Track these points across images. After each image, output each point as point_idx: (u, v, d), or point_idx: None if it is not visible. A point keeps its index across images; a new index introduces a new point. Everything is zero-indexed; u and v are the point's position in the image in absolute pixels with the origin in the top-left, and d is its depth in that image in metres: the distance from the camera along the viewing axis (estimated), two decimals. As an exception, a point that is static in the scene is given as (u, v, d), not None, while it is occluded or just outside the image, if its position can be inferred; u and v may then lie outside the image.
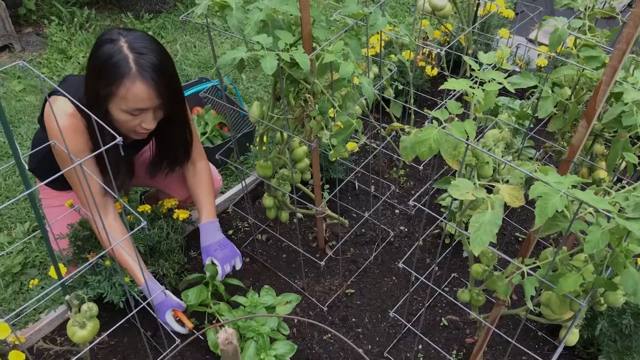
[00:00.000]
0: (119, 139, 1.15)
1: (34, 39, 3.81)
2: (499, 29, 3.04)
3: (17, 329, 1.97)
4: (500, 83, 1.31)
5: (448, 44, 3.07)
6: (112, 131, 1.18)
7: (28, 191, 1.23)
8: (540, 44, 3.15)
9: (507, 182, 1.36)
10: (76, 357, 1.56)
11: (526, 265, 1.28)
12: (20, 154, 1.51)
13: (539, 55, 2.85)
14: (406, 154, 1.36)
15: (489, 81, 1.30)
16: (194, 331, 1.86)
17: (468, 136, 1.22)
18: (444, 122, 1.24)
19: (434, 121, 1.24)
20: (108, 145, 1.13)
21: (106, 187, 1.28)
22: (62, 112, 1.62)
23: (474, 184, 1.24)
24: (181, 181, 2.08)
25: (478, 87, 1.25)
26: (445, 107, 1.26)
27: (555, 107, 1.55)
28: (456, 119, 1.28)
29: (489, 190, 1.28)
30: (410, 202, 1.39)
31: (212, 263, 1.89)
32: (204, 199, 1.98)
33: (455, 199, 1.24)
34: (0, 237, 2.45)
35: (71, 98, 1.34)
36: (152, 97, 1.57)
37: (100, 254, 1.84)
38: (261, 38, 1.34)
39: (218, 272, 1.87)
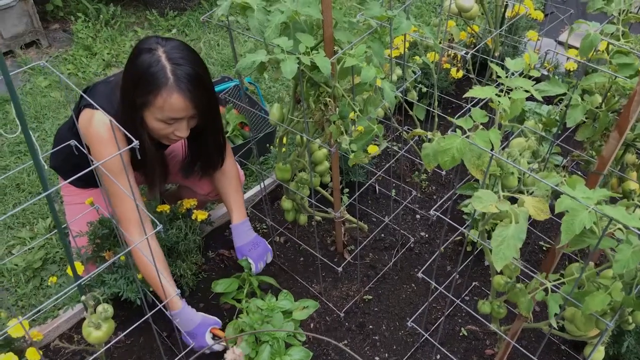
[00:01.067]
0: (135, 142, 1.14)
1: (60, 35, 3.85)
2: (527, 31, 2.97)
3: (37, 324, 1.98)
4: (527, 91, 1.27)
5: (474, 46, 3.01)
6: (130, 135, 1.17)
7: (45, 193, 1.22)
8: (570, 46, 3.07)
9: (532, 193, 1.32)
10: (92, 357, 1.56)
11: (550, 281, 1.24)
12: (40, 153, 1.51)
13: (568, 58, 2.77)
14: (428, 162, 1.32)
15: (516, 89, 1.25)
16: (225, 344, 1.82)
17: (493, 146, 1.18)
18: (468, 130, 1.20)
19: (457, 130, 1.20)
20: (126, 148, 1.12)
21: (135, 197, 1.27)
22: (103, 123, 1.64)
23: (498, 195, 1.20)
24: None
25: (504, 95, 1.21)
26: (470, 115, 1.22)
27: (584, 115, 1.49)
28: (481, 127, 1.24)
29: (514, 201, 1.24)
30: (432, 212, 1.35)
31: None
32: (233, 198, 1.99)
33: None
34: (22, 232, 2.48)
35: (109, 117, 1.35)
36: (188, 107, 1.59)
37: (118, 255, 1.85)
38: (282, 41, 1.32)
39: (252, 269, 1.90)
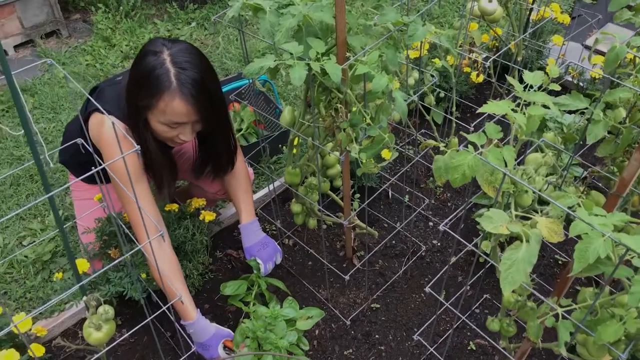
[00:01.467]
0: (137, 147, 1.12)
1: (80, 26, 3.86)
2: (552, 35, 2.88)
3: (42, 318, 1.98)
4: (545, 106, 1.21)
5: (496, 49, 2.93)
6: (132, 141, 1.15)
7: (47, 195, 1.20)
8: (597, 52, 2.97)
9: (546, 213, 1.26)
10: (94, 358, 1.55)
11: (561, 307, 1.18)
12: (45, 151, 1.49)
13: (593, 65, 2.68)
14: (439, 175, 1.27)
15: (534, 103, 1.20)
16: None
17: (506, 164, 1.13)
18: (481, 146, 1.15)
19: (469, 145, 1.15)
20: (128, 152, 1.09)
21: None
22: (111, 129, 1.61)
23: (510, 215, 1.14)
24: None
25: (520, 111, 1.15)
26: (483, 130, 1.17)
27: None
28: (495, 141, 1.19)
29: (527, 219, 1.19)
30: (441, 227, 1.30)
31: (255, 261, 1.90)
32: (242, 198, 1.97)
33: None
34: (34, 223, 2.49)
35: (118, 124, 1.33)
36: (191, 113, 1.56)
37: (127, 254, 1.83)
38: (291, 46, 1.28)
39: (260, 270, 1.87)
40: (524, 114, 1.16)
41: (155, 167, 1.72)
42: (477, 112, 1.13)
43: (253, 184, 2.60)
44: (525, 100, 1.23)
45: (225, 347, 1.74)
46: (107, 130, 1.62)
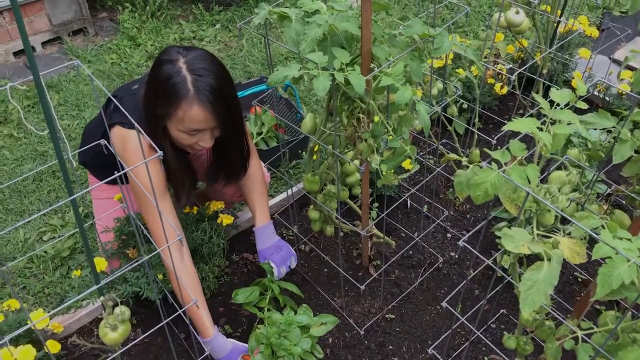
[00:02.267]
0: (159, 153, 1.13)
1: (107, 24, 3.91)
2: (579, 48, 2.84)
3: (59, 314, 2.00)
4: (571, 123, 1.19)
5: (522, 61, 2.90)
6: (154, 145, 1.15)
7: (69, 198, 1.22)
8: (627, 67, 2.92)
9: (569, 233, 1.24)
10: (109, 358, 1.56)
11: (582, 329, 1.16)
12: (69, 151, 1.51)
13: (621, 80, 2.64)
14: (460, 190, 1.26)
15: (559, 122, 1.18)
16: None
17: (530, 182, 1.11)
18: (505, 164, 1.14)
19: (492, 163, 1.13)
20: (151, 158, 1.10)
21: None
22: (137, 144, 1.63)
23: (532, 234, 1.13)
24: None
25: (546, 130, 1.13)
26: (507, 148, 1.15)
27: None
28: (519, 158, 1.17)
29: (549, 237, 1.17)
30: (460, 243, 1.29)
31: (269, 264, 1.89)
32: (257, 201, 1.97)
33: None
34: (54, 219, 2.52)
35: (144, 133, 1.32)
36: (209, 119, 1.56)
37: (146, 258, 1.84)
38: (316, 57, 1.28)
39: (274, 273, 1.87)
40: (549, 132, 1.14)
41: (174, 174, 1.73)
42: (503, 129, 1.11)
43: (271, 188, 2.61)
44: (550, 118, 1.21)
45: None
46: (133, 146, 1.63)
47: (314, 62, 1.27)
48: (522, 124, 1.10)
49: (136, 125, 1.17)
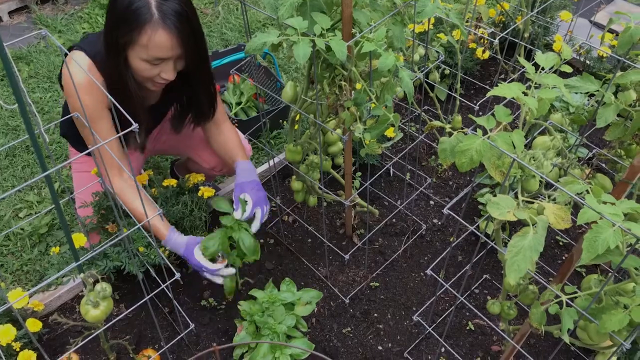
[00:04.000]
0: (135, 125, 1.09)
1: (77, -8, 3.76)
2: (560, 11, 2.81)
3: (40, 291, 1.97)
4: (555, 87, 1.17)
5: (503, 25, 2.87)
6: (126, 115, 1.11)
7: (43, 174, 1.17)
8: (609, 31, 2.90)
9: (553, 199, 1.23)
10: (92, 335, 1.54)
11: (566, 294, 1.17)
12: (41, 125, 1.45)
13: (601, 43, 2.62)
14: (444, 158, 1.25)
15: (544, 86, 1.16)
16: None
17: (515, 148, 1.10)
18: (490, 130, 1.12)
19: (478, 129, 1.12)
20: (125, 131, 1.06)
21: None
22: (78, 68, 1.56)
23: (517, 201, 1.12)
24: (208, 147, 2.03)
25: (531, 95, 1.12)
26: (492, 114, 1.13)
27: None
28: (505, 124, 1.15)
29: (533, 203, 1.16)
30: (445, 211, 1.28)
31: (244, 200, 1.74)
32: (235, 147, 1.88)
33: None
34: (30, 195, 2.46)
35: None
36: (175, 46, 1.49)
37: (131, 231, 1.81)
38: (295, 22, 1.23)
39: (244, 213, 1.71)
40: (534, 96, 1.12)
41: (132, 109, 1.63)
42: (487, 94, 1.09)
43: (252, 159, 2.57)
44: (535, 83, 1.19)
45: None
46: (74, 66, 1.55)
47: (294, 27, 1.23)
48: (507, 89, 1.07)
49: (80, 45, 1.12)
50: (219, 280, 1.70)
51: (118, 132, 1.63)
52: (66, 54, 1.59)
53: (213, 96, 1.81)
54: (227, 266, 1.71)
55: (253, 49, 1.26)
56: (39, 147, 1.19)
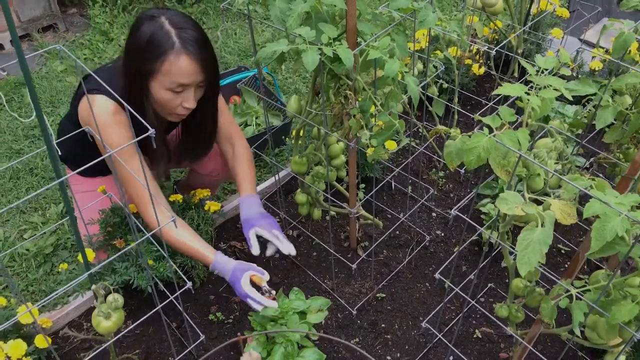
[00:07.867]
0: (151, 131, 1.12)
1: (77, 20, 3.83)
2: (551, 28, 2.90)
3: (46, 310, 1.97)
4: (556, 89, 1.22)
5: (496, 42, 2.95)
6: (145, 123, 1.14)
7: (58, 180, 1.20)
8: (595, 45, 2.99)
9: (558, 196, 1.27)
10: (101, 347, 1.54)
11: (575, 288, 1.19)
12: (54, 138, 1.48)
13: (593, 57, 2.70)
14: (451, 160, 1.28)
15: (546, 87, 1.20)
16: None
17: (520, 146, 1.14)
18: (495, 129, 1.16)
19: (484, 128, 1.15)
20: (141, 137, 1.09)
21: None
22: (105, 109, 1.61)
23: (523, 197, 1.15)
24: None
25: (534, 94, 1.16)
26: (497, 114, 1.17)
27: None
28: (507, 125, 1.19)
29: (538, 203, 1.19)
30: (452, 212, 1.31)
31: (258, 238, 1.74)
32: (244, 172, 1.90)
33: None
34: (34, 217, 2.47)
35: (110, 90, 1.31)
36: (197, 71, 1.55)
37: (134, 244, 1.82)
38: (304, 31, 1.28)
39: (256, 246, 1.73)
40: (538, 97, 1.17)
41: (154, 149, 1.68)
42: (493, 93, 1.13)
43: (256, 176, 2.60)
44: (537, 85, 1.24)
45: (254, 284, 1.65)
46: (98, 110, 1.59)
47: (302, 36, 1.27)
48: (512, 89, 1.12)
49: (96, 76, 1.16)
50: (258, 308, 1.64)
51: (147, 167, 1.69)
52: (88, 90, 1.62)
53: (216, 126, 1.85)
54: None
55: (263, 57, 1.30)
56: (55, 156, 1.21)
